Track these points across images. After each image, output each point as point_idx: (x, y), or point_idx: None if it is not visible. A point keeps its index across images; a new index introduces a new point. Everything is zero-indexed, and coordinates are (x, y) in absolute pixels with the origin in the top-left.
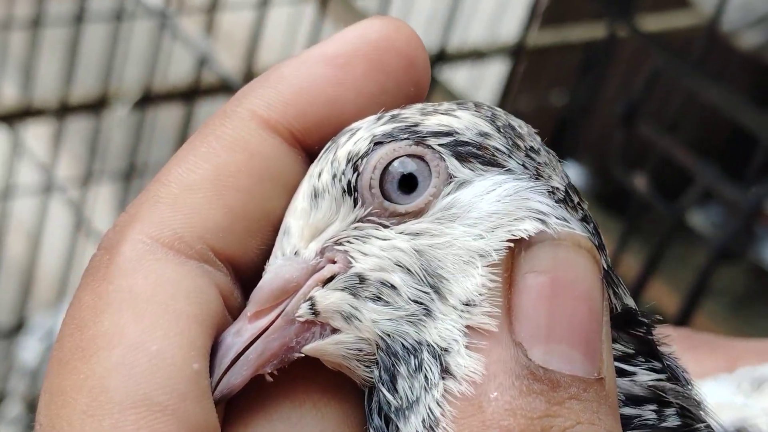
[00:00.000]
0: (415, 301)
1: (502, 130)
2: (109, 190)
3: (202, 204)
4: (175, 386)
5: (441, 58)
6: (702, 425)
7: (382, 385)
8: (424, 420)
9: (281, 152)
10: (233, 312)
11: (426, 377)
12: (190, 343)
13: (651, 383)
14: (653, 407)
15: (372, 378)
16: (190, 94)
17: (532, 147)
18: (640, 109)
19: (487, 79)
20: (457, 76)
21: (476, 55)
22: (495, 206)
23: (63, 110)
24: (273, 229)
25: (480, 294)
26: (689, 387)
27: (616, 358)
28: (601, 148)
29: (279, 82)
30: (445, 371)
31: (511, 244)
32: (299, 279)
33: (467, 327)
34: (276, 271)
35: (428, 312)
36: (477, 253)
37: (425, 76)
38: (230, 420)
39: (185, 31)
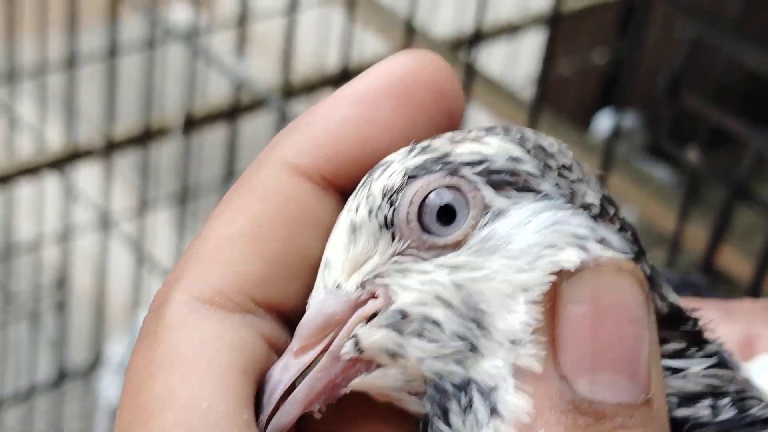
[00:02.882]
0: (459, 336)
1: (532, 152)
2: (167, 215)
3: (239, 257)
4: None
5: (477, 38)
6: (760, 404)
7: (437, 418)
8: None
9: (314, 196)
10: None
11: (476, 417)
12: (237, 395)
13: (703, 373)
14: (708, 402)
15: (423, 409)
16: (231, 114)
17: (564, 165)
18: (683, 81)
19: (523, 53)
20: (492, 55)
21: (510, 29)
22: (534, 238)
23: (109, 147)
24: (313, 271)
25: (525, 332)
26: (738, 369)
27: (670, 356)
28: (651, 99)
29: (308, 127)
30: (494, 411)
31: (555, 278)
32: (342, 313)
33: (514, 366)
34: (319, 306)
35: (474, 348)
36: (520, 287)
37: (457, 105)
38: None
39: (218, 51)
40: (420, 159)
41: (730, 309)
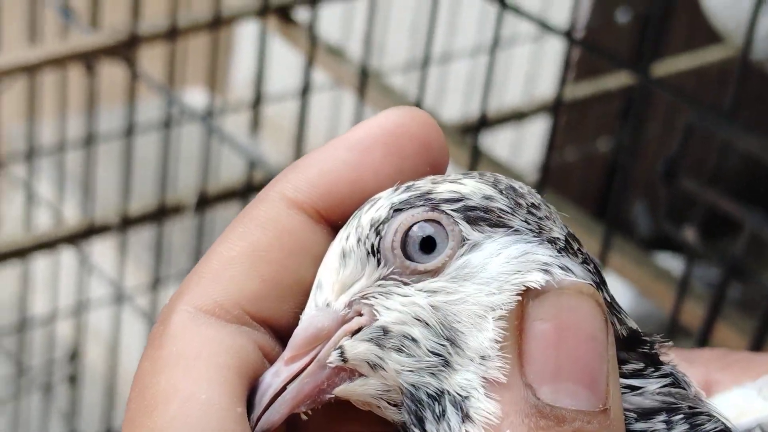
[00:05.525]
0: (434, 353)
1: (504, 192)
2: None
3: (238, 276)
4: (225, 427)
5: (483, 123)
6: (710, 419)
7: (414, 426)
8: None
9: (308, 228)
10: None
11: (449, 424)
12: (232, 391)
13: (659, 390)
14: (663, 417)
15: (401, 418)
16: (244, 193)
17: (533, 203)
18: (680, 164)
19: (528, 139)
20: (499, 141)
21: (516, 116)
22: (504, 267)
23: (124, 224)
24: (304, 294)
25: (493, 348)
26: (690, 388)
27: (629, 375)
28: (655, 188)
29: (306, 168)
30: (466, 416)
31: (520, 298)
32: (330, 328)
33: (483, 378)
34: (310, 320)
35: (447, 363)
36: (489, 307)
37: (441, 157)
38: None
39: (232, 133)
40: (405, 195)
41: (690, 357)
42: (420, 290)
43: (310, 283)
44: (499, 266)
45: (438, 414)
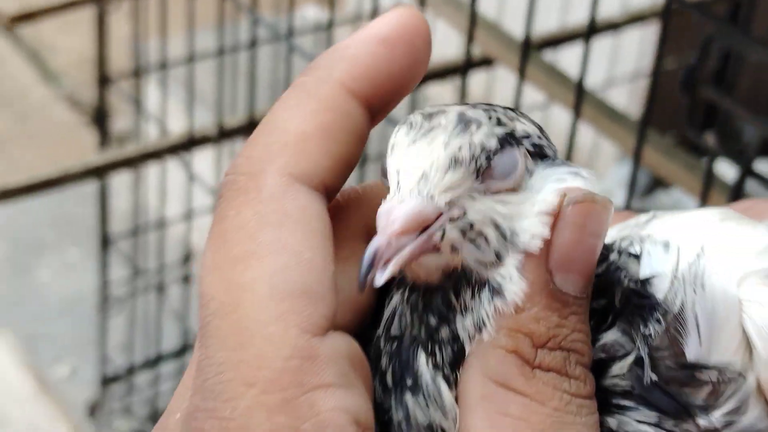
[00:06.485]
0: (496, 253)
1: (542, 130)
2: None
3: (314, 150)
4: (324, 282)
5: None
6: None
7: (452, 291)
8: (476, 322)
9: (360, 114)
10: None
11: (480, 297)
12: (328, 252)
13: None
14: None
15: (445, 283)
16: None
17: (547, 136)
18: (698, 75)
19: (626, 47)
20: (596, 49)
21: (611, 26)
22: (552, 185)
23: (221, 135)
24: (350, 171)
25: (531, 242)
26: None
27: None
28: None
29: (354, 59)
30: (496, 292)
31: (559, 201)
32: (433, 219)
33: (519, 261)
34: (421, 207)
35: (500, 258)
36: (539, 212)
37: (428, 53)
38: None
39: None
40: (500, 131)
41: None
42: (499, 200)
43: (355, 163)
44: (549, 184)
45: (475, 290)
